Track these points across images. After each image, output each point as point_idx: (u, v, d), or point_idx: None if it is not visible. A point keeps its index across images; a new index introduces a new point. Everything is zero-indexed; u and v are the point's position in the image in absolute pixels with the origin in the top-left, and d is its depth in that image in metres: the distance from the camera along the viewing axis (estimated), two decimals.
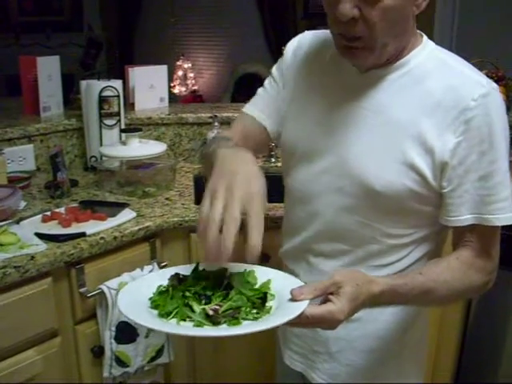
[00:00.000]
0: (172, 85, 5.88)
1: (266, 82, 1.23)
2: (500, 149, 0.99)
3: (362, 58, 0.99)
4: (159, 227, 1.64)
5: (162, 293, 0.88)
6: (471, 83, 0.99)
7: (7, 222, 1.56)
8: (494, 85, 1.00)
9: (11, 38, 5.75)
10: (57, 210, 1.64)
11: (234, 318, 0.82)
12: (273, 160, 2.31)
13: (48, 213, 1.61)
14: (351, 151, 1.05)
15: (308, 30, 1.21)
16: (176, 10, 5.98)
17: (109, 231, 1.55)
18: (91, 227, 1.54)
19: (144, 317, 0.81)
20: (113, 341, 1.52)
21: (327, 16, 0.98)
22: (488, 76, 2.42)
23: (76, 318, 1.52)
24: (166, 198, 1.85)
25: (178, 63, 5.96)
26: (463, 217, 1.02)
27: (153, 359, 1.63)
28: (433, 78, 1.01)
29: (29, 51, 5.18)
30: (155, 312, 0.84)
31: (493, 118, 0.98)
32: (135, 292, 0.88)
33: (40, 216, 1.61)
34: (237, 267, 0.94)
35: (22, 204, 1.72)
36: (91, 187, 1.97)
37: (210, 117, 2.32)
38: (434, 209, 1.05)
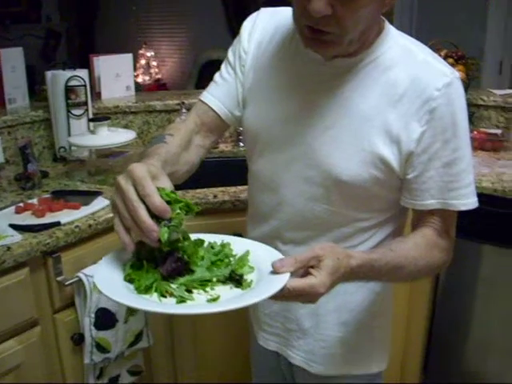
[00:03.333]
0: (135, 74, 5.83)
1: (223, 67, 1.22)
2: (463, 137, 1.03)
3: (328, 49, 0.99)
4: None
5: (134, 266, 0.87)
6: (435, 73, 1.01)
7: None
8: (457, 73, 1.03)
9: None
10: (29, 201, 1.64)
11: (203, 284, 0.84)
12: (241, 144, 2.35)
13: (21, 204, 1.62)
14: (318, 142, 1.06)
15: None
16: None
17: (83, 219, 1.56)
18: (65, 216, 1.55)
19: (125, 295, 0.81)
20: (92, 327, 1.54)
21: (294, 6, 0.98)
22: (448, 55, 2.52)
23: (55, 307, 1.53)
24: None
25: (141, 52, 5.91)
26: (428, 201, 1.05)
27: (132, 344, 1.66)
28: (398, 67, 1.02)
29: None
30: (131, 287, 0.84)
31: (455, 108, 1.01)
32: (109, 268, 0.88)
33: (13, 208, 1.61)
34: (213, 238, 0.95)
35: None
36: (62, 178, 1.98)
37: (178, 104, 2.33)
38: (396, 193, 1.09)
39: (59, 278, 1.49)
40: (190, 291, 0.84)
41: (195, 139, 1.18)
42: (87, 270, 1.52)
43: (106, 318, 1.56)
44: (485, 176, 1.93)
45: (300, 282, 0.85)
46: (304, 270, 0.87)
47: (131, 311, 1.62)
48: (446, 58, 2.52)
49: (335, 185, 1.06)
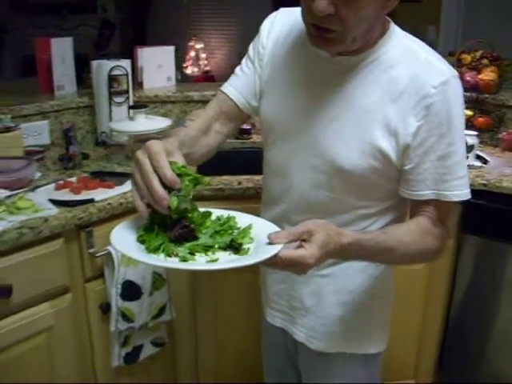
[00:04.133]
0: (184, 65, 5.99)
1: (243, 61, 1.31)
2: (457, 132, 1.11)
3: (332, 47, 1.07)
4: None
5: (147, 229, 0.98)
6: (433, 71, 1.08)
7: (24, 189, 1.71)
8: (454, 72, 1.10)
9: (26, 19, 5.88)
10: (69, 180, 1.79)
11: (205, 249, 0.95)
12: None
13: (61, 182, 1.76)
14: (323, 133, 1.15)
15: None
16: None
17: (115, 198, 1.69)
18: (100, 194, 1.69)
19: (133, 250, 0.93)
20: (119, 297, 1.67)
21: (301, 5, 1.06)
22: (483, 56, 2.54)
23: (86, 277, 1.68)
24: None
25: (191, 44, 6.07)
26: (423, 192, 1.13)
27: (156, 316, 1.79)
28: (399, 66, 1.10)
29: (44, 32, 5.32)
30: (142, 247, 0.95)
31: (451, 104, 1.08)
32: (126, 229, 0.99)
33: (53, 185, 1.76)
34: (221, 212, 1.06)
35: (38, 174, 1.87)
36: (101, 160, 2.12)
37: (214, 94, 2.43)
38: (395, 184, 1.17)
39: (91, 250, 1.64)
40: (193, 254, 0.95)
41: (214, 126, 1.29)
42: None
43: (131, 290, 1.69)
44: (506, 176, 1.97)
45: (291, 252, 0.94)
46: (298, 243, 0.96)
47: (156, 286, 1.75)
48: (481, 58, 2.55)
49: (337, 173, 1.15)
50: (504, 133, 2.35)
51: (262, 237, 0.98)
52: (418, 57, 1.11)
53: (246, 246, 0.97)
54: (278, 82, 1.24)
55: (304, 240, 0.96)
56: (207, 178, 0.99)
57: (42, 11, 6.07)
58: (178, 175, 0.93)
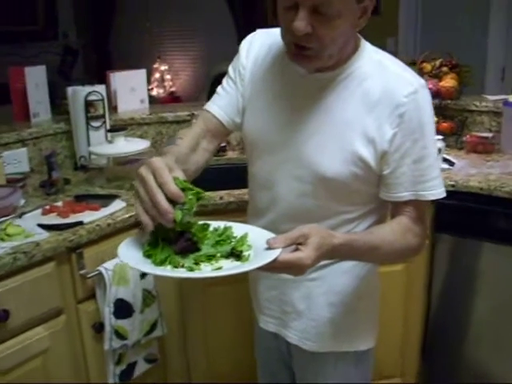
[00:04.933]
0: (150, 87, 6.04)
1: (224, 81, 1.38)
2: (429, 136, 1.20)
3: (310, 63, 1.16)
4: None
5: (151, 244, 1.03)
6: (403, 82, 1.18)
7: (10, 216, 1.74)
8: (422, 82, 1.20)
9: None
10: (54, 204, 1.82)
11: (209, 258, 1.01)
12: None
13: (47, 207, 1.80)
14: (306, 146, 1.23)
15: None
16: (150, 13, 6.15)
17: (103, 219, 1.74)
18: (87, 217, 1.73)
19: (146, 265, 0.98)
20: (112, 316, 1.71)
21: (281, 25, 1.15)
22: (443, 64, 2.67)
23: (78, 298, 1.71)
24: None
25: (155, 66, 6.13)
26: (402, 194, 1.22)
27: (148, 333, 1.83)
28: (372, 79, 1.19)
29: (6, 61, 5.30)
30: (149, 261, 1.00)
31: (422, 111, 1.18)
32: (131, 246, 1.04)
33: (40, 210, 1.79)
34: (217, 224, 1.12)
35: (22, 201, 1.90)
36: (82, 184, 2.16)
37: (188, 115, 2.51)
38: (375, 188, 1.25)
39: (82, 272, 1.67)
40: (197, 264, 1.01)
41: (202, 143, 1.35)
42: (107, 264, 1.69)
43: (123, 308, 1.73)
44: (473, 176, 2.08)
45: (289, 255, 1.01)
46: (294, 247, 1.03)
47: (146, 303, 1.79)
48: (441, 66, 2.67)
49: (321, 182, 1.23)
50: (467, 136, 2.47)
51: (258, 243, 1.04)
52: (388, 69, 1.20)
53: (246, 253, 1.04)
54: (259, 99, 1.31)
55: (300, 243, 1.02)
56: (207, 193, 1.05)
57: (1, 40, 6.05)
58: (181, 190, 0.98)
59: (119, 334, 1.73)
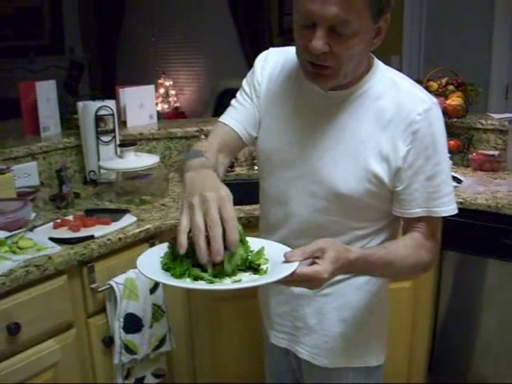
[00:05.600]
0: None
1: (238, 95, 1.39)
2: (442, 153, 1.22)
3: (326, 82, 1.18)
4: (158, 229, 1.85)
5: (169, 257, 1.03)
6: (416, 100, 1.20)
7: (22, 230, 1.75)
8: (434, 100, 1.22)
9: None
10: (65, 218, 1.83)
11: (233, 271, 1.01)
12: (256, 168, 2.53)
13: (58, 220, 1.81)
14: (321, 162, 1.25)
15: (283, 45, 1.38)
16: (156, 29, 6.21)
17: (114, 234, 1.75)
18: (98, 231, 1.74)
19: (167, 278, 0.98)
20: (121, 330, 1.71)
21: (297, 45, 1.17)
22: (449, 83, 2.69)
23: (88, 312, 1.72)
24: (162, 204, 2.06)
25: (160, 81, 6.16)
26: (414, 210, 1.23)
27: (157, 347, 1.83)
28: (385, 97, 1.21)
29: (13, 76, 5.36)
30: (168, 274, 1.00)
31: (435, 128, 1.20)
32: (149, 259, 1.04)
33: (51, 224, 1.81)
34: None
35: (33, 215, 1.92)
36: (92, 198, 2.17)
37: (197, 130, 2.53)
38: (388, 204, 1.27)
39: (93, 286, 1.68)
40: (216, 277, 1.00)
41: (219, 157, 1.35)
42: (117, 279, 1.70)
43: (133, 323, 1.73)
44: (480, 194, 2.09)
45: (307, 269, 1.02)
46: (311, 260, 1.04)
47: (155, 317, 1.80)
48: (446, 85, 2.70)
49: (336, 198, 1.24)
50: (474, 153, 2.49)
51: (275, 257, 1.05)
52: (401, 87, 1.23)
53: (263, 267, 1.04)
54: (273, 116, 1.33)
55: (317, 257, 1.03)
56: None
57: (9, 54, 6.11)
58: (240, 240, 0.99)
59: (128, 349, 1.73)
